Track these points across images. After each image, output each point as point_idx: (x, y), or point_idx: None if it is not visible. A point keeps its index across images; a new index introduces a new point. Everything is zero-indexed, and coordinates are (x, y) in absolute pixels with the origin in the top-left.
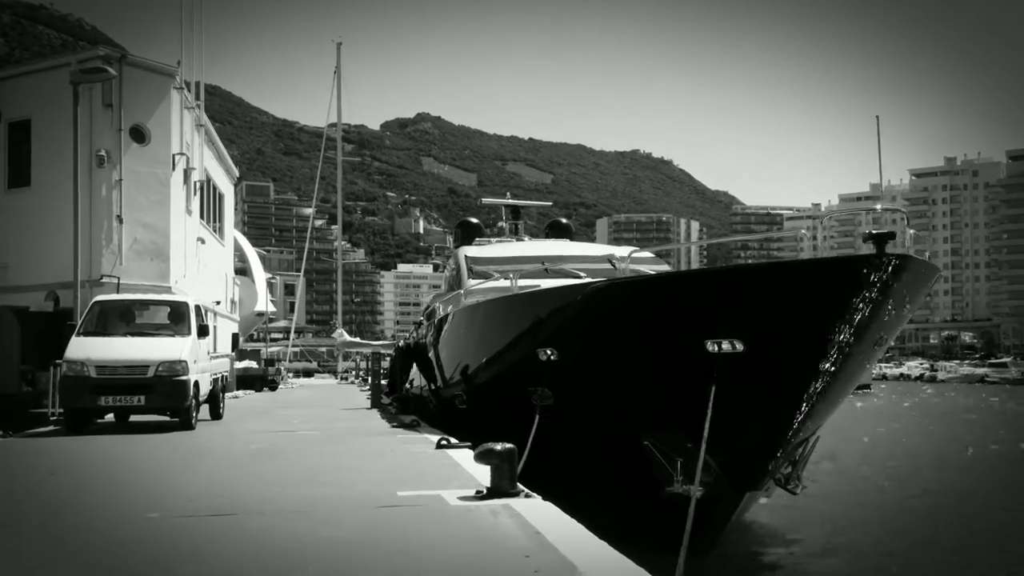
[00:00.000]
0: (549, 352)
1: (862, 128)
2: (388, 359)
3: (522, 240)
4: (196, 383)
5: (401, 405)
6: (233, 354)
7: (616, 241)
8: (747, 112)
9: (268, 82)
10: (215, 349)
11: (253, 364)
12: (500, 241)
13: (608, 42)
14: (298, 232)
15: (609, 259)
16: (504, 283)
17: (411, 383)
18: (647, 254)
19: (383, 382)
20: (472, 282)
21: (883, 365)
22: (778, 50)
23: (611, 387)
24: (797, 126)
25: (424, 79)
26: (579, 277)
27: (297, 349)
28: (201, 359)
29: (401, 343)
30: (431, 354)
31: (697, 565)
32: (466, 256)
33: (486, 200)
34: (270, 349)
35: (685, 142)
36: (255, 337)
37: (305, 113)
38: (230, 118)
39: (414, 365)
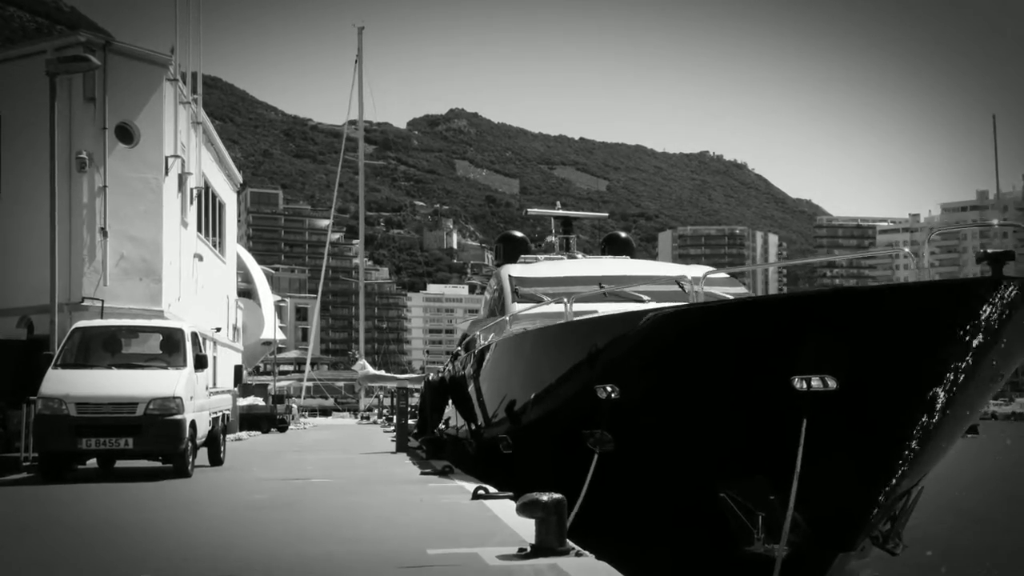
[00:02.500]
0: (609, 389)
1: (968, 128)
2: (417, 395)
3: (574, 257)
4: (193, 423)
5: (432, 448)
6: (236, 389)
7: (682, 258)
8: (832, 109)
9: (277, 73)
10: (215, 384)
11: (259, 401)
12: (549, 258)
13: (673, 29)
14: (312, 247)
15: (677, 280)
16: (556, 308)
17: (445, 423)
18: (721, 275)
19: (411, 422)
20: (518, 306)
21: (992, 402)
22: (868, 40)
23: (681, 429)
24: (891, 125)
25: (458, 70)
26: (643, 301)
27: (311, 383)
28: (199, 395)
29: (433, 377)
30: (470, 390)
31: None
32: (510, 276)
33: (532, 210)
34: (279, 384)
35: (761, 143)
36: (262, 369)
37: (320, 109)
38: (233, 115)
39: (449, 402)
